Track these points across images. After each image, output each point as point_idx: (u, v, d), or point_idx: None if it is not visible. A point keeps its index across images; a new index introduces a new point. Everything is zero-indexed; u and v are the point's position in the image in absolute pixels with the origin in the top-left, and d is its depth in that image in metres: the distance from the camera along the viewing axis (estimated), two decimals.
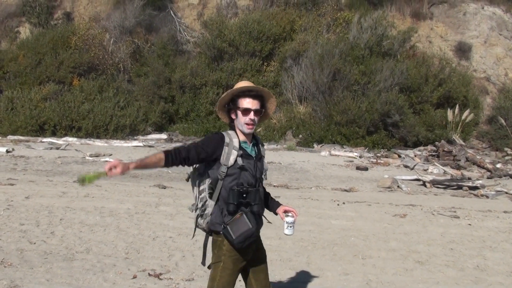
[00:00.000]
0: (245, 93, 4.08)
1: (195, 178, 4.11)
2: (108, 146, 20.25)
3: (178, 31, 28.79)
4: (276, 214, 4.37)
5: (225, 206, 4.00)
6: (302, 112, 24.40)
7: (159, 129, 24.37)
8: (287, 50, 25.94)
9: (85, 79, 24.70)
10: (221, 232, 4.00)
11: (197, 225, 4.18)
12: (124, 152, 18.70)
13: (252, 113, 4.06)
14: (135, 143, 21.10)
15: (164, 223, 9.18)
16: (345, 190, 14.28)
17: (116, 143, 20.96)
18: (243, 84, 4.15)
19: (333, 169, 17.52)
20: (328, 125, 23.10)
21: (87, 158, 17.19)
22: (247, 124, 4.05)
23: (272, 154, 19.14)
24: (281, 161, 18.15)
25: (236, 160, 3.99)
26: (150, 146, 20.45)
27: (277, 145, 21.90)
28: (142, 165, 3.83)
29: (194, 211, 4.16)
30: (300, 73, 24.74)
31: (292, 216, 4.21)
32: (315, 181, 15.51)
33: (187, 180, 4.24)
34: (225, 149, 3.99)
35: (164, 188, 12.69)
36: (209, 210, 4.04)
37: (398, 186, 15.08)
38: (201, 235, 4.34)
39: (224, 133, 4.10)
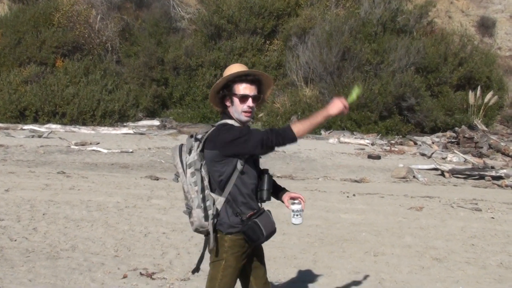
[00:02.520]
0: (242, 77, 4.01)
1: (193, 176, 4.01)
2: (95, 133, 20.26)
3: (171, 6, 28.70)
4: (282, 201, 4.32)
5: (239, 202, 3.94)
6: (308, 95, 24.36)
7: (151, 114, 24.36)
8: (292, 27, 25.85)
9: (69, 60, 24.65)
10: (243, 228, 3.92)
11: (197, 229, 4.03)
12: (113, 140, 18.71)
13: (250, 99, 3.98)
14: (124, 130, 21.09)
15: (156, 217, 9.20)
16: (356, 181, 14.29)
17: (104, 130, 20.96)
18: (237, 68, 4.09)
19: (342, 158, 17.52)
20: None
21: (72, 147, 17.21)
22: (245, 112, 3.98)
23: None
24: (285, 149, 18.13)
25: None
26: (141, 134, 20.46)
27: None
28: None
29: (200, 209, 3.97)
30: (306, 53, 24.67)
31: (299, 203, 4.16)
32: (322, 171, 15.51)
33: (176, 180, 4.12)
34: None
35: (157, 180, 12.70)
36: (217, 208, 3.95)
37: (414, 176, 15.08)
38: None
39: (230, 122, 4.01)
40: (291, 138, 3.80)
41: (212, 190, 3.96)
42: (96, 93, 22.80)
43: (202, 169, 3.95)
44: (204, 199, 3.92)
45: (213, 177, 3.95)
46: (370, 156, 17.81)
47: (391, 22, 25.31)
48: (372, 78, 23.46)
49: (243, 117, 3.99)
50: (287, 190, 4.34)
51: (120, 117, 23.03)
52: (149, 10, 28.12)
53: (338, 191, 12.31)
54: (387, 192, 12.38)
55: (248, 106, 3.98)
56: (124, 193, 10.91)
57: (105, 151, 16.78)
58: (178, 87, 25.01)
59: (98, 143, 17.94)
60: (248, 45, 25.84)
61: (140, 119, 23.61)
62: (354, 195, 11.81)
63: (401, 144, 20.69)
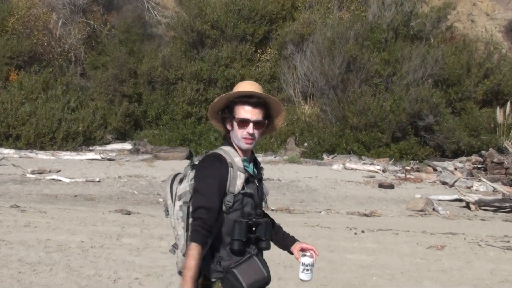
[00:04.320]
0: (244, 99, 3.99)
1: (181, 210, 4.00)
2: (55, 159, 20.16)
3: (146, 9, 28.81)
4: (290, 253, 4.28)
5: (221, 245, 3.91)
6: (308, 113, 24.41)
7: (122, 136, 24.29)
8: (287, 33, 25.97)
9: (25, 73, 24.61)
10: (221, 278, 3.89)
11: (180, 272, 4.02)
12: (77, 167, 18.63)
13: (251, 125, 3.97)
14: (90, 155, 21.02)
15: (128, 260, 9.12)
16: (365, 215, 14.26)
17: (66, 155, 20.87)
18: (244, 86, 4.07)
19: (348, 187, 17.51)
20: (342, 130, 23.10)
21: (28, 175, 17.11)
22: (244, 138, 3.97)
23: (270, 168, 19.10)
24: (281, 177, 18.11)
25: (243, 185, 3.91)
26: (110, 159, 20.39)
27: (275, 157, 21.87)
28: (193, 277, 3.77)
29: (180, 251, 4.01)
30: (304, 63, 24.77)
31: (311, 256, 4.12)
32: (325, 203, 15.48)
33: (166, 215, 4.13)
34: (230, 171, 3.90)
35: (129, 214, 12.63)
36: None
37: (433, 209, 15.07)
38: (177, 275, 4.27)
39: (220, 152, 3.99)
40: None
41: None
42: (56, 112, 22.72)
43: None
44: (187, 238, 3.88)
45: None
46: (381, 185, 17.81)
47: (404, 27, 25.47)
48: (383, 92, 23.54)
49: (243, 144, 3.98)
50: (297, 240, 4.31)
51: (85, 140, 22.92)
52: (119, 14, 28.21)
53: (344, 227, 12.28)
54: (402, 228, 12.35)
55: (248, 133, 3.97)
56: (89, 230, 10.84)
57: (67, 180, 16.70)
58: (153, 104, 24.97)
59: (59, 171, 17.86)
60: (236, 54, 25.91)
61: (109, 142, 23.53)
62: (363, 231, 11.78)
63: (418, 171, 20.70)
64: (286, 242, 4.30)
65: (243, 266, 3.88)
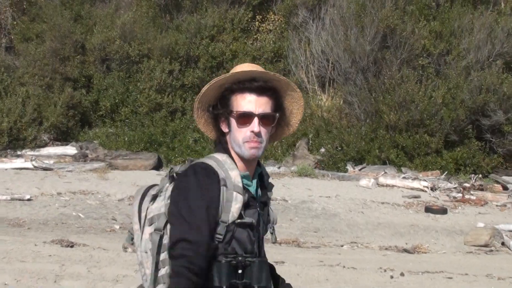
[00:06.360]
0: (244, 84, 3.83)
1: (151, 240, 3.80)
2: None
3: None
4: None
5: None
6: (326, 106, 24.43)
7: (63, 137, 24.28)
8: None
9: None
10: None
11: None
12: None
13: (255, 121, 3.79)
14: (18, 162, 20.98)
15: None
16: (405, 251, 14.27)
17: None
18: (243, 67, 3.92)
19: (382, 212, 17.52)
20: (374, 131, 23.11)
21: None
22: (249, 142, 3.79)
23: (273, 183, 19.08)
24: (288, 196, 18.11)
25: (241, 212, 3.74)
26: (46, 169, 20.34)
27: (279, 167, 21.88)
28: None
29: None
30: (322, 36, 24.81)
31: None
32: (349, 234, 15.49)
33: (125, 248, 4.03)
34: (223, 191, 3.72)
35: (71, 247, 12.60)
36: None
37: (503, 243, 15.07)
38: None
39: (210, 162, 3.81)
40: None
41: None
42: None
43: (168, 230, 3.76)
44: (156, 280, 3.78)
45: None
46: (429, 209, 17.80)
47: None
48: (433, 78, 23.54)
49: (246, 151, 3.81)
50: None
51: (11, 141, 22.93)
52: None
53: (375, 267, 12.28)
54: (457, 270, 12.37)
55: (253, 132, 3.79)
56: (15, 269, 10.83)
57: None
58: (108, 92, 24.97)
59: None
60: (225, 22, 25.94)
61: (45, 145, 23.54)
62: (402, 274, 11.78)
63: (482, 189, 20.68)
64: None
65: None
